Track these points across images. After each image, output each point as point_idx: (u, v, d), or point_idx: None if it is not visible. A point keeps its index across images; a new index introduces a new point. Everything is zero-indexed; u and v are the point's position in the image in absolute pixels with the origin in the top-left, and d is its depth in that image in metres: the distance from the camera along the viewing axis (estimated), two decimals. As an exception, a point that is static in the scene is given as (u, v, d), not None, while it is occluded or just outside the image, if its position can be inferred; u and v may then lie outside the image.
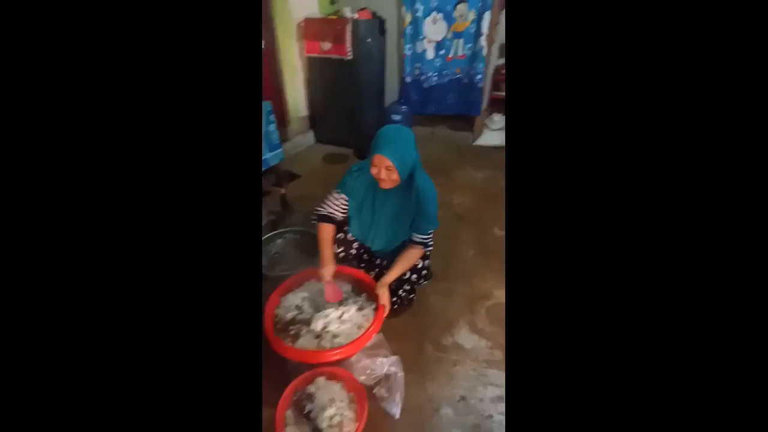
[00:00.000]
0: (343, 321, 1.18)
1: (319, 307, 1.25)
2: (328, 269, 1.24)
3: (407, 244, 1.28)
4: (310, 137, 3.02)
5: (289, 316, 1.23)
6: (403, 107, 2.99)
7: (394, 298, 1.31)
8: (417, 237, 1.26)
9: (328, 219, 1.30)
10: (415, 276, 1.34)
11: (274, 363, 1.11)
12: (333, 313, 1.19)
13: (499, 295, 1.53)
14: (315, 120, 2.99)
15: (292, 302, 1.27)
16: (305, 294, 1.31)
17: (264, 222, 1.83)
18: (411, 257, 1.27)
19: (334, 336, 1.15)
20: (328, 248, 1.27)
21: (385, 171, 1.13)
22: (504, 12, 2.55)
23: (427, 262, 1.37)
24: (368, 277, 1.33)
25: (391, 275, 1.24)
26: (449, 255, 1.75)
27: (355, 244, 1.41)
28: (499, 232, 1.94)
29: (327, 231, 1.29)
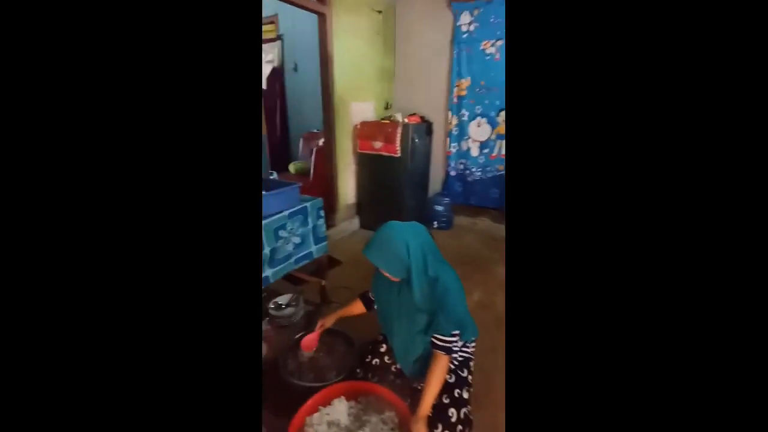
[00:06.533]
0: None
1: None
2: (327, 320, 1.33)
3: (433, 351, 1.06)
4: (355, 223, 3.17)
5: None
6: (445, 199, 3.10)
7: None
8: (437, 339, 1.04)
9: (366, 299, 1.33)
10: (452, 409, 1.06)
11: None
12: None
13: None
14: (361, 207, 3.17)
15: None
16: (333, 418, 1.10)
17: (300, 313, 1.73)
18: (437, 369, 1.02)
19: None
20: (342, 310, 1.35)
21: None
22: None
23: (465, 392, 1.11)
24: (401, 402, 1.09)
25: (425, 402, 0.99)
26: (490, 370, 1.42)
27: (393, 368, 1.26)
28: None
29: (355, 303, 1.35)
